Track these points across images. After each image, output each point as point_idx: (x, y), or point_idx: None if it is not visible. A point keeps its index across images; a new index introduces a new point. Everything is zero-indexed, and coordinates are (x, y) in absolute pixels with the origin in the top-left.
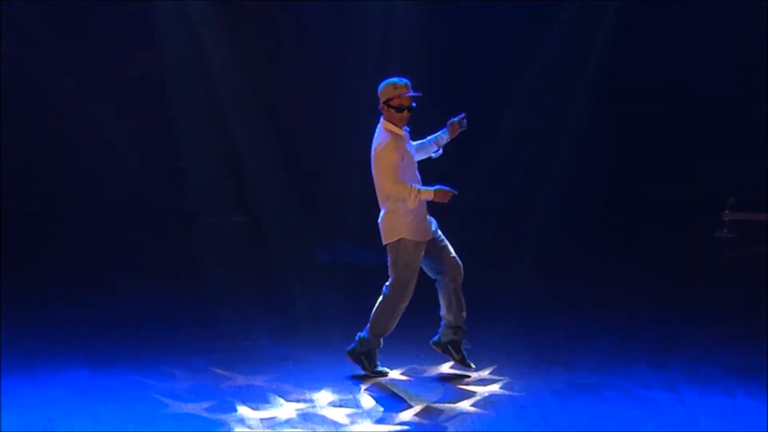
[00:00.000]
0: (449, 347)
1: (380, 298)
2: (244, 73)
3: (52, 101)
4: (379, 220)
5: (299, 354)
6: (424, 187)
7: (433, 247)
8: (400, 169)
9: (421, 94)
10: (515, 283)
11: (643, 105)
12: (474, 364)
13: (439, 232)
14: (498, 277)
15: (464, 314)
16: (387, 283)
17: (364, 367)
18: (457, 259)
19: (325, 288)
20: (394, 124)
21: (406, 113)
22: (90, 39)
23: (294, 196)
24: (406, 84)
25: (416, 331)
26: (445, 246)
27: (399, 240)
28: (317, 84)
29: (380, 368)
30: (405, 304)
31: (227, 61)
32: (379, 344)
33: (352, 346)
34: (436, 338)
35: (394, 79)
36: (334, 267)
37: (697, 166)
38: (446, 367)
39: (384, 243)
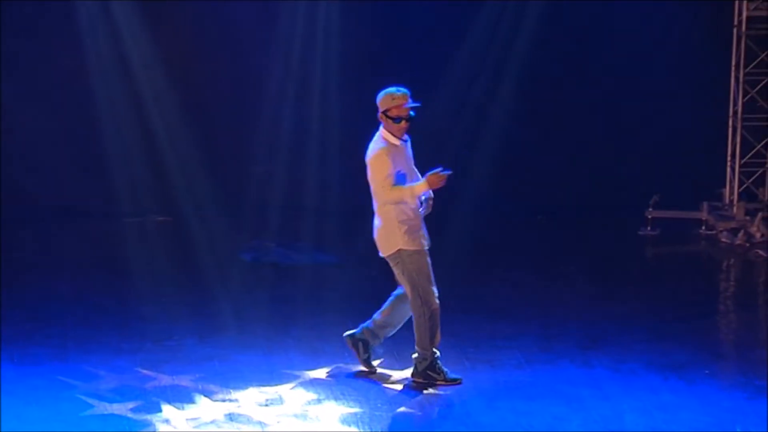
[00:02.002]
0: (360, 344)
1: (412, 315)
2: (166, 72)
3: None
4: (375, 229)
5: (224, 353)
6: (416, 183)
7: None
8: (394, 177)
9: (420, 104)
10: (439, 283)
11: (566, 104)
12: (397, 363)
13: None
14: None
15: (391, 332)
16: (409, 298)
17: (436, 381)
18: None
19: (249, 287)
20: (392, 133)
21: (404, 123)
22: (10, 37)
23: (217, 195)
24: (404, 94)
25: (341, 330)
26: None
27: (398, 251)
28: (241, 83)
29: (451, 375)
30: (435, 306)
31: (149, 60)
32: (436, 353)
33: (412, 367)
34: (351, 332)
35: (392, 89)
36: (257, 266)
37: (621, 164)
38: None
39: (383, 255)
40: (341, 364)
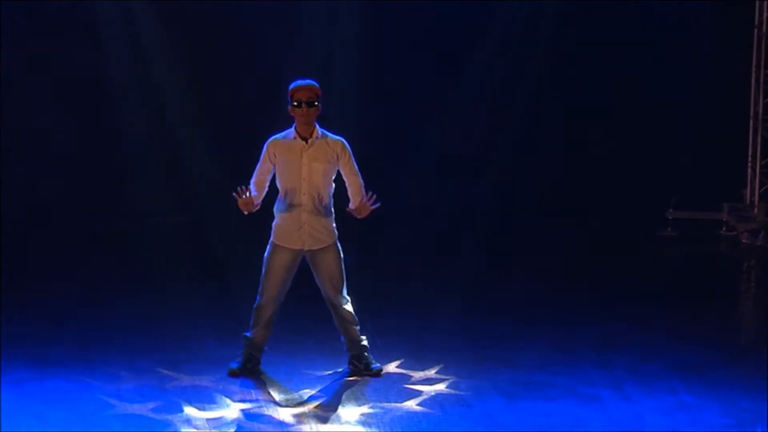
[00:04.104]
0: (353, 361)
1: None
2: (185, 71)
3: None
4: None
5: None
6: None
7: (312, 264)
8: (258, 171)
9: (312, 84)
10: (458, 283)
11: (586, 104)
12: (417, 364)
13: (324, 256)
14: (440, 276)
15: (353, 327)
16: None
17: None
18: (335, 293)
19: None
20: (296, 127)
21: (304, 108)
22: (28, 36)
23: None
24: (302, 84)
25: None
26: (323, 273)
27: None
28: (260, 82)
29: (236, 368)
30: (264, 311)
31: (169, 59)
32: (253, 349)
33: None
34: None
35: (298, 81)
36: None
37: (641, 165)
38: (392, 367)
39: None
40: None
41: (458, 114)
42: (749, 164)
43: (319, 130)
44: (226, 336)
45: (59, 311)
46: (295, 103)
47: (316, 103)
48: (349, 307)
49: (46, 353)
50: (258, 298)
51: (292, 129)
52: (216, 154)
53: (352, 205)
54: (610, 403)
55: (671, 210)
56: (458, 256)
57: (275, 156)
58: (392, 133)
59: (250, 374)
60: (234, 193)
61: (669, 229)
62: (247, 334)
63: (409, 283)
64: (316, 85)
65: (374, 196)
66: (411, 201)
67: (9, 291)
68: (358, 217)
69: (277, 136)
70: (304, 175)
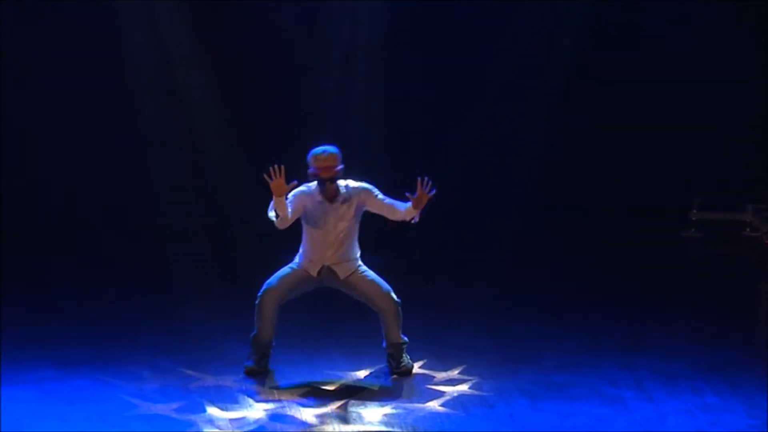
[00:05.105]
0: (389, 359)
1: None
2: (209, 72)
3: (12, 101)
4: None
5: None
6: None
7: (348, 290)
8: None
9: (331, 154)
10: (482, 283)
11: (608, 104)
12: (440, 364)
13: (353, 279)
14: (465, 277)
15: (393, 335)
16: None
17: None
18: (381, 295)
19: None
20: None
21: (326, 185)
22: (51, 38)
23: (261, 196)
24: (330, 155)
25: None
26: (362, 287)
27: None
28: (283, 84)
29: (252, 366)
30: (266, 306)
31: (192, 60)
32: (263, 346)
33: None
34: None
35: (317, 149)
36: None
37: (665, 166)
38: (415, 367)
39: None
40: (384, 365)
41: (483, 115)
42: None
43: (341, 188)
44: (248, 336)
45: (81, 311)
46: (315, 177)
47: (336, 171)
48: (397, 309)
49: (69, 353)
50: (260, 293)
51: (316, 188)
52: (240, 153)
53: (410, 205)
54: (634, 404)
55: (695, 211)
56: (482, 257)
57: (302, 205)
58: (415, 134)
59: (267, 372)
60: (265, 175)
61: (693, 230)
62: (254, 333)
63: (433, 283)
64: (335, 151)
65: (430, 183)
66: (436, 203)
67: (31, 291)
68: (418, 208)
69: (302, 191)
70: (329, 234)
